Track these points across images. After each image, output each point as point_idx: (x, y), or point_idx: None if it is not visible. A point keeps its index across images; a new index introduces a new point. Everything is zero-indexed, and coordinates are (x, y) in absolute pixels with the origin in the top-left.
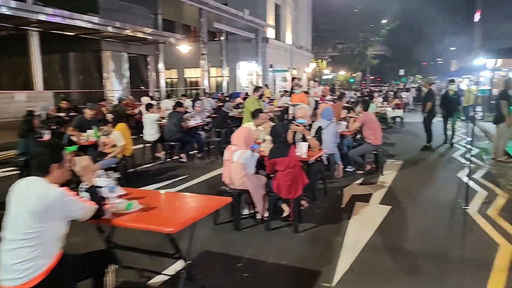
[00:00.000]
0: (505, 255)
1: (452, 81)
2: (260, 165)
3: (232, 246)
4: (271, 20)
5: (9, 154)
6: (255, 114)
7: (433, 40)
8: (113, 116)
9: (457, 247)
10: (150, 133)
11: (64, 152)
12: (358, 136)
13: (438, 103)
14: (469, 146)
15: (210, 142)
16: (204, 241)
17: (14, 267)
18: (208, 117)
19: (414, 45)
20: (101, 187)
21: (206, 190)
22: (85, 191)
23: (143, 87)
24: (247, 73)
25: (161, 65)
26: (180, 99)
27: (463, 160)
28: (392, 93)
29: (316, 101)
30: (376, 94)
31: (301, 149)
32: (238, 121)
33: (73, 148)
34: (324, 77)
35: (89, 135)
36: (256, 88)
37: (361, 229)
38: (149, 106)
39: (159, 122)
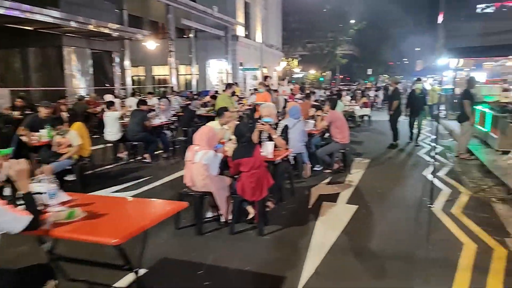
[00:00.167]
0: (469, 254)
1: (419, 79)
2: (225, 165)
3: (193, 252)
4: (240, 18)
5: None
6: (220, 112)
7: (399, 40)
8: (68, 115)
9: (423, 247)
10: (112, 132)
11: None
12: (327, 134)
13: (404, 101)
14: (433, 144)
15: (176, 142)
16: (164, 247)
17: None
18: (175, 115)
19: (381, 45)
20: (40, 193)
21: (171, 192)
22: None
23: (108, 85)
24: (217, 71)
25: (127, 62)
26: (145, 97)
27: (428, 158)
28: (360, 92)
29: (285, 100)
30: (344, 93)
31: (267, 149)
32: (205, 120)
33: (6, 151)
34: (295, 76)
35: (42, 135)
36: (229, 85)
37: (327, 230)
38: (110, 104)
39: (121, 121)
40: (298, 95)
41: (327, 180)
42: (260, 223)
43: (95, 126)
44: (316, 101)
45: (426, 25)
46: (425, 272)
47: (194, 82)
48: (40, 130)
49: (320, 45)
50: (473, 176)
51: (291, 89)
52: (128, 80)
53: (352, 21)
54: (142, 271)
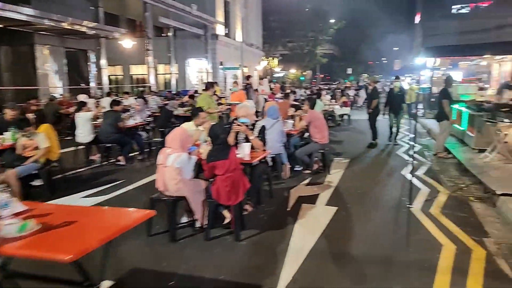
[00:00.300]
0: (448, 255)
1: (398, 78)
2: (200, 168)
3: (165, 261)
4: (220, 16)
5: None
6: (194, 112)
7: (378, 40)
8: (35, 116)
9: (403, 249)
10: (83, 133)
11: None
12: (306, 134)
13: (383, 100)
14: (412, 143)
15: (152, 143)
16: (134, 257)
17: None
18: (151, 116)
19: (360, 45)
20: None
21: (145, 196)
22: None
23: (83, 84)
24: (197, 70)
25: (103, 61)
26: (122, 97)
27: (406, 157)
28: (339, 91)
29: (265, 99)
30: (324, 92)
31: (243, 151)
32: (183, 120)
33: None
34: (275, 75)
35: (5, 138)
36: (210, 84)
37: (306, 233)
38: (82, 105)
39: (94, 122)
40: (279, 95)
41: (306, 181)
42: (236, 228)
43: (68, 128)
44: (296, 100)
45: (404, 25)
46: (405, 277)
47: (173, 82)
48: (4, 133)
49: (300, 45)
50: (451, 174)
51: (271, 89)
52: (105, 80)
53: (332, 21)
54: (108, 284)
